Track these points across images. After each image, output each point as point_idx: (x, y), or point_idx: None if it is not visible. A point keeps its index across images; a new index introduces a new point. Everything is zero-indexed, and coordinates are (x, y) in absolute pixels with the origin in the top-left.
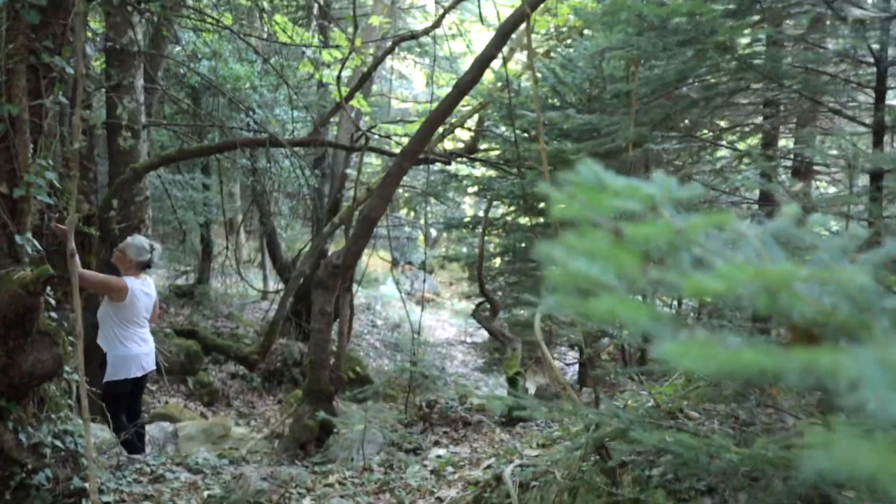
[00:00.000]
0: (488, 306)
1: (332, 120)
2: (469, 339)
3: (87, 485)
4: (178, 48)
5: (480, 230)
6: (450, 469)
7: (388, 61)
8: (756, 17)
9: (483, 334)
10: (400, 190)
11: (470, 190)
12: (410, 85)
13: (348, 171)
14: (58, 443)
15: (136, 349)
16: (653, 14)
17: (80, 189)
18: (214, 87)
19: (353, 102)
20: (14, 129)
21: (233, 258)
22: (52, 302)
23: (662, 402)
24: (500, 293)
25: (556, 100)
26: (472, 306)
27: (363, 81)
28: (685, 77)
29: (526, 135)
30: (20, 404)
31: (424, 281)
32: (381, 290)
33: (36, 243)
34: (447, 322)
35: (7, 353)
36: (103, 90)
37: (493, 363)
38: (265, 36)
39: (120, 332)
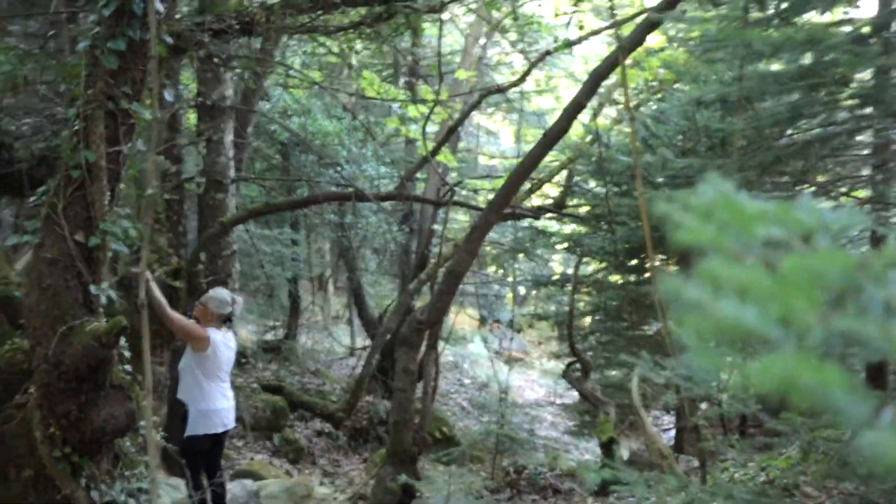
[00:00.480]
0: (579, 366)
1: (419, 175)
2: (558, 401)
3: None
4: (268, 105)
5: (570, 287)
6: None
7: (475, 117)
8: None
9: (573, 395)
10: (487, 247)
11: (559, 247)
12: (498, 141)
13: (435, 226)
14: (132, 501)
15: (219, 404)
16: (763, 43)
17: (168, 242)
18: (303, 142)
19: (441, 157)
20: (91, 175)
21: (321, 314)
22: (126, 355)
23: (776, 477)
24: (590, 353)
25: (648, 154)
26: (562, 366)
27: (449, 135)
28: (799, 115)
29: (616, 188)
30: (93, 460)
31: (512, 339)
32: (468, 348)
33: (112, 294)
34: (536, 382)
35: (79, 407)
36: (195, 144)
37: (585, 426)
38: (353, 92)
39: (202, 386)
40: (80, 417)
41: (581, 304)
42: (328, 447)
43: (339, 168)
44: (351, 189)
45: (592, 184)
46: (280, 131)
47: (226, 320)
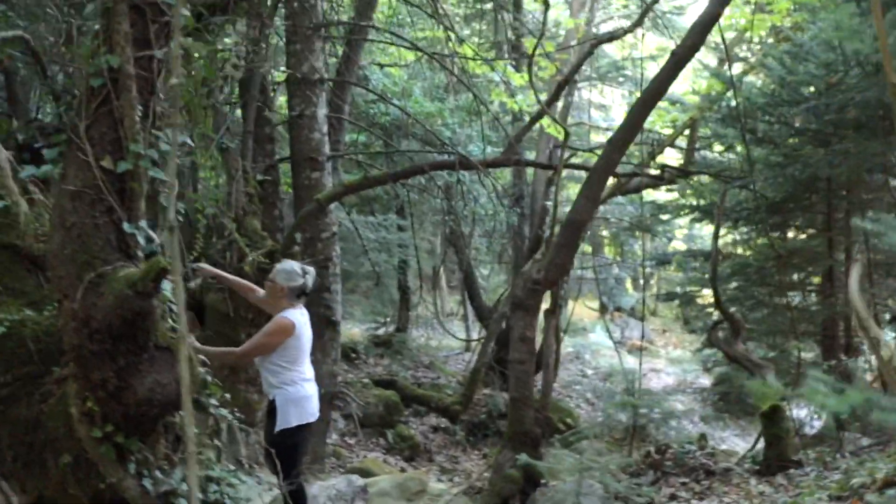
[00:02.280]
0: (726, 327)
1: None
2: (690, 389)
3: None
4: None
5: (712, 237)
6: None
7: (585, 92)
8: None
9: (704, 383)
10: (604, 230)
11: (686, 217)
12: (609, 116)
13: (548, 203)
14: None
15: (308, 390)
16: None
17: (263, 225)
18: (405, 125)
19: (550, 130)
20: (116, 86)
21: (433, 308)
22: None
23: None
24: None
25: (785, 94)
26: (690, 353)
27: (560, 89)
28: None
29: (752, 135)
30: (144, 442)
31: (644, 320)
32: (589, 338)
33: (152, 234)
34: (663, 371)
35: (117, 373)
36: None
37: (723, 410)
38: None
39: (288, 374)
40: (119, 387)
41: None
42: (445, 443)
43: (443, 144)
44: (454, 157)
45: (718, 148)
46: (381, 115)
47: (300, 294)
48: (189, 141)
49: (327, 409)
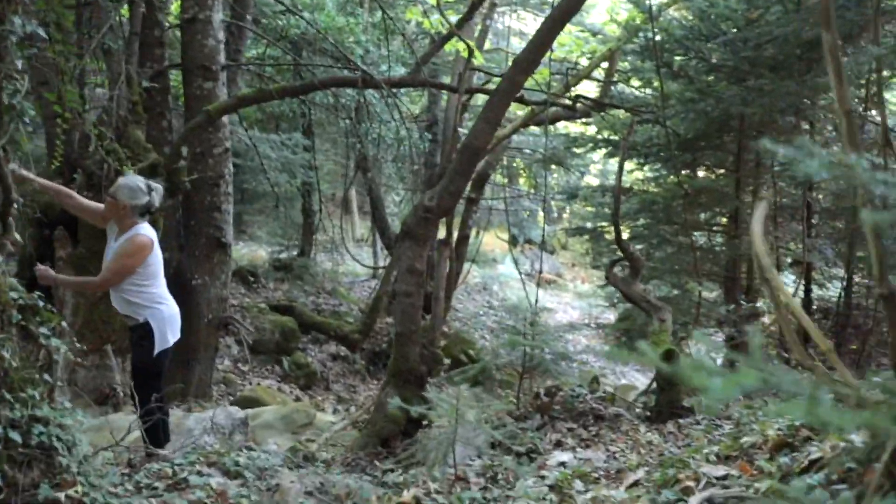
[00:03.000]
0: (625, 265)
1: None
2: (594, 323)
3: (60, 495)
4: None
5: (616, 172)
6: (578, 484)
7: (504, 17)
8: None
9: (609, 317)
10: (518, 160)
11: (599, 152)
12: (524, 40)
13: (460, 129)
14: (14, 435)
15: (173, 308)
16: None
17: (149, 136)
18: (316, 40)
19: (465, 54)
20: None
21: (341, 234)
22: None
23: None
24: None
25: (704, 27)
26: (597, 289)
27: (475, 7)
28: None
29: (668, 70)
30: None
31: (553, 253)
32: (498, 269)
33: None
34: (570, 305)
35: None
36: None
37: (626, 347)
38: None
39: (155, 291)
40: None
41: (624, 208)
42: (344, 372)
43: (348, 61)
44: (359, 73)
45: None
46: (289, 27)
47: (144, 213)
48: (41, 32)
49: (215, 335)
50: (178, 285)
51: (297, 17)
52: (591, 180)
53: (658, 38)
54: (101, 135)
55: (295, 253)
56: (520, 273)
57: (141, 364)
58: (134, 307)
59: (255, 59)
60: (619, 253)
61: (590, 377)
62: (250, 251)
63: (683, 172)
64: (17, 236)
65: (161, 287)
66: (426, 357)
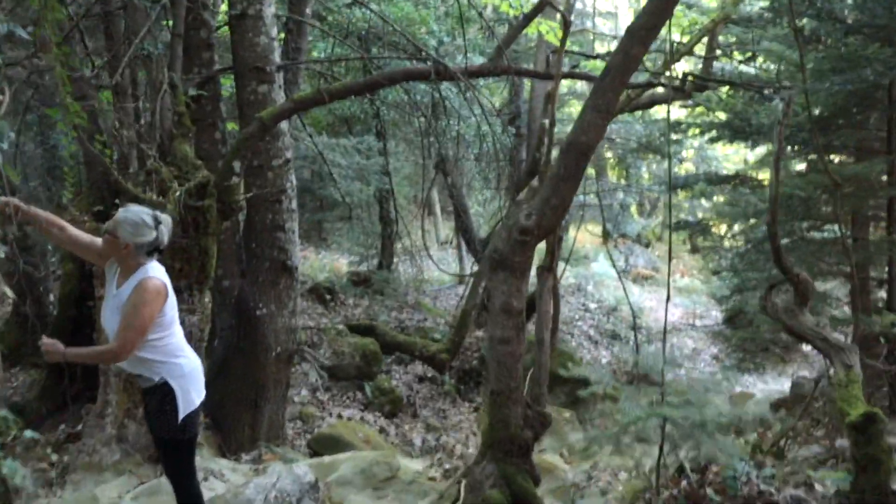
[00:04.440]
0: (780, 290)
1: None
2: (699, 322)
3: None
4: None
5: (772, 168)
6: None
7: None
8: None
9: (715, 315)
10: (608, 151)
11: (706, 135)
12: (615, 23)
13: (546, 121)
14: None
15: (194, 360)
16: None
17: (200, 150)
18: (386, 34)
19: (549, 37)
20: None
21: (424, 238)
22: None
23: None
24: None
25: None
26: (698, 283)
27: None
28: None
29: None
30: None
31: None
32: (591, 267)
33: None
34: (671, 303)
35: None
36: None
37: (747, 359)
38: None
39: (171, 342)
40: None
41: (746, 201)
42: (432, 394)
43: (419, 51)
44: (431, 64)
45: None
46: (355, 21)
47: (152, 252)
48: (22, 32)
49: (286, 370)
50: (242, 316)
51: (363, 9)
52: (688, 166)
53: None
54: (143, 153)
55: (375, 263)
56: (617, 272)
57: (166, 436)
58: (147, 365)
59: (319, 58)
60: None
61: (750, 444)
62: (332, 260)
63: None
64: (7, 290)
65: (178, 336)
66: (531, 419)
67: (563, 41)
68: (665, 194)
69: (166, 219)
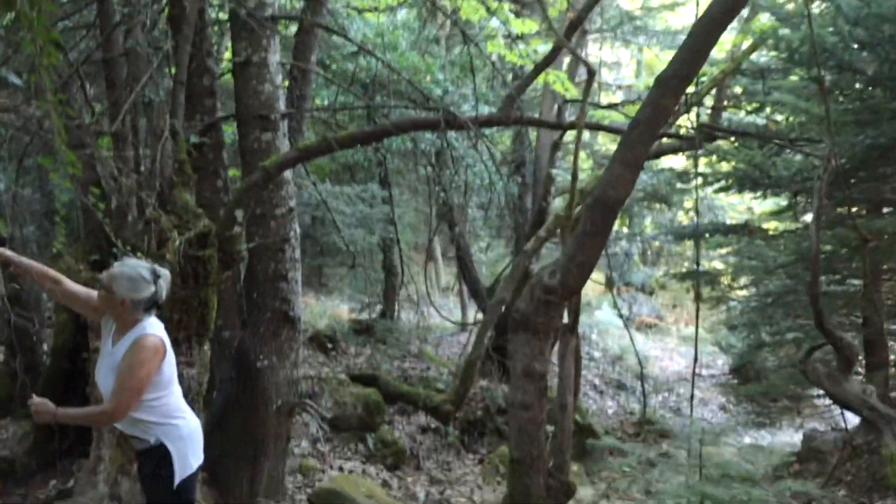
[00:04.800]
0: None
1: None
2: (705, 371)
3: None
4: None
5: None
6: None
7: (594, 48)
8: None
9: (720, 364)
10: None
11: (715, 185)
12: (620, 74)
13: (553, 171)
14: None
15: (193, 421)
16: None
17: (201, 199)
18: (391, 82)
19: (557, 87)
20: None
21: (426, 285)
22: None
23: None
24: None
25: (862, 32)
26: (703, 330)
27: (574, 28)
28: None
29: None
30: None
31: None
32: (595, 315)
33: None
34: (675, 351)
35: None
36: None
37: (760, 413)
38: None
39: (168, 402)
40: None
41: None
42: (436, 446)
43: (427, 100)
44: (440, 113)
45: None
46: (360, 70)
47: (150, 307)
48: (15, 79)
49: (286, 424)
50: (242, 368)
51: (368, 57)
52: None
53: (802, 48)
54: (142, 201)
55: (377, 311)
56: (623, 319)
57: (160, 502)
58: (142, 426)
59: (323, 106)
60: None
61: None
62: (332, 306)
63: (839, 210)
64: None
65: (176, 396)
66: (554, 489)
67: (586, 91)
68: (669, 244)
69: (165, 273)
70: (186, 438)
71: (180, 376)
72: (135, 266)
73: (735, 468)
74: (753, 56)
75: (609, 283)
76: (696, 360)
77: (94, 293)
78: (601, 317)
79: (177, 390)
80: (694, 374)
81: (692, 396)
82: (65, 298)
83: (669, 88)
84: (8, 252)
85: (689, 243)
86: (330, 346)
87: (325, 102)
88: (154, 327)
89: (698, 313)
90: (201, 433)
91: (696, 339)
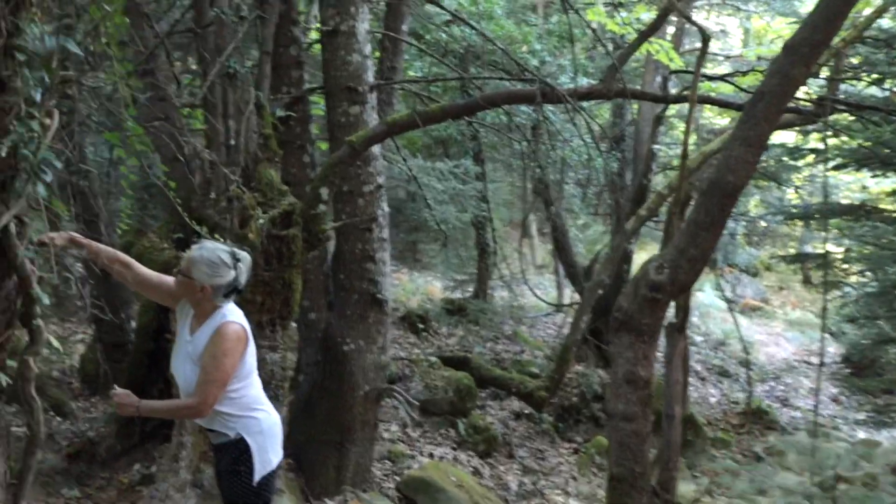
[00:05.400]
0: None
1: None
2: (814, 359)
3: None
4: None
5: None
6: None
7: (700, 16)
8: None
9: (832, 351)
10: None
11: (830, 163)
12: (727, 44)
13: (655, 147)
14: None
15: (274, 415)
16: None
17: (288, 176)
18: (485, 52)
19: (661, 57)
20: None
21: (521, 263)
22: None
23: None
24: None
25: None
26: (811, 314)
27: None
28: None
29: None
30: None
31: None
32: (697, 297)
33: None
34: (781, 336)
35: None
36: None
37: (882, 411)
38: None
39: (248, 394)
40: None
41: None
42: (529, 433)
43: (523, 71)
44: (537, 86)
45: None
46: (453, 41)
47: (230, 293)
48: (74, 48)
49: (373, 410)
50: (328, 351)
51: (462, 27)
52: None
53: None
54: (225, 177)
55: (471, 290)
56: (726, 301)
57: (238, 500)
58: (221, 419)
59: (414, 77)
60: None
61: None
62: (425, 282)
63: None
64: (53, 340)
65: (256, 387)
66: None
67: (699, 60)
68: (774, 224)
69: (245, 256)
70: (266, 432)
71: (263, 361)
72: (214, 249)
73: (851, 467)
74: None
75: (712, 264)
76: (822, 354)
77: (167, 278)
78: (703, 299)
79: (257, 381)
80: (821, 366)
81: (817, 390)
82: (136, 284)
83: (800, 57)
84: (75, 235)
85: (797, 223)
86: (421, 326)
87: (418, 74)
88: (235, 314)
89: (825, 306)
90: (281, 427)
91: (822, 329)
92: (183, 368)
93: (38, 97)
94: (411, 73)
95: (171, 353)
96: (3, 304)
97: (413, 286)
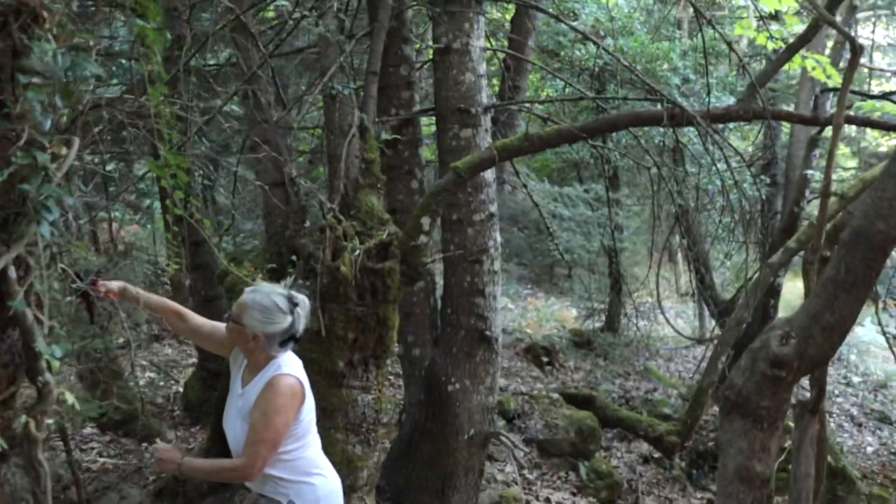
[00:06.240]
0: None
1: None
2: None
3: None
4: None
5: None
6: None
7: (864, 30)
8: None
9: None
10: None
11: None
12: (895, 57)
13: (808, 172)
14: None
15: (334, 480)
16: None
17: (393, 203)
18: (622, 70)
19: (816, 73)
20: None
21: (655, 292)
22: None
23: None
24: None
25: None
26: None
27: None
28: None
29: None
30: None
31: None
32: (855, 332)
33: None
34: None
35: None
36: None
37: None
38: None
39: (304, 456)
40: None
41: None
42: (657, 479)
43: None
44: (668, 106)
45: None
46: (588, 58)
47: (286, 341)
48: (96, 68)
49: (479, 456)
50: (432, 390)
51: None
52: None
53: None
54: (321, 204)
55: (602, 319)
56: (888, 338)
57: None
58: (273, 484)
59: (536, 98)
60: None
61: None
62: (561, 307)
63: None
64: (69, 396)
65: (314, 448)
66: None
67: (848, 74)
68: None
69: (304, 301)
70: (323, 500)
71: (354, 402)
72: (269, 293)
73: None
74: None
75: (874, 297)
76: None
77: (220, 326)
78: (862, 335)
79: (314, 441)
80: None
81: None
82: (189, 334)
83: None
84: (128, 286)
85: None
86: (546, 359)
87: (555, 93)
88: (290, 366)
89: None
90: (341, 494)
91: None
92: (233, 425)
93: (46, 125)
94: (549, 93)
95: (225, 406)
96: (4, 357)
97: (548, 312)
